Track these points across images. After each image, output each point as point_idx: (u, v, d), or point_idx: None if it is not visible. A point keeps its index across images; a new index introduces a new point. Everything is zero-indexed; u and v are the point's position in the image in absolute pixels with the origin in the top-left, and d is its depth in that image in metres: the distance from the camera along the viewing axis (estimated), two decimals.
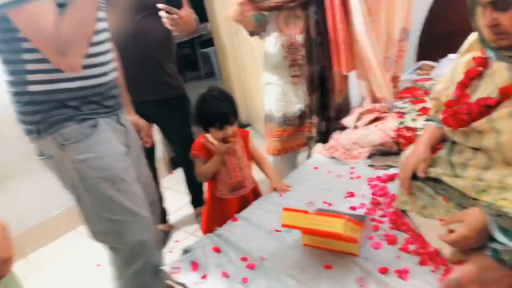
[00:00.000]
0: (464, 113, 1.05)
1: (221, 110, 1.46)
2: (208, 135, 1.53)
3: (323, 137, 1.94)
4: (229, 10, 1.87)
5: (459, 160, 1.13)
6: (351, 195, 1.45)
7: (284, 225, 1.14)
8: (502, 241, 0.92)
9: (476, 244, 0.97)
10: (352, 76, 1.94)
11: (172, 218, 2.46)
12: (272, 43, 1.86)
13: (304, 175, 1.67)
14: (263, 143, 2.07)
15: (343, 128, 1.88)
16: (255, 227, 1.36)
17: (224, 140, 1.48)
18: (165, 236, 2.29)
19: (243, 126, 3.62)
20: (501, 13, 0.94)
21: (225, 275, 1.15)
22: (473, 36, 1.17)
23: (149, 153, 2.24)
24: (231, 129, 1.48)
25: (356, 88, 2.01)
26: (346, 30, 1.66)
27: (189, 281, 1.14)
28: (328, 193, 1.49)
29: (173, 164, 3.16)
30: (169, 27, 1.68)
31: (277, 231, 1.31)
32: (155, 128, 2.28)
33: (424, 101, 1.85)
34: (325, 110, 1.89)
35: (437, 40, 2.27)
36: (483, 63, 1.10)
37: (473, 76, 1.11)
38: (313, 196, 1.48)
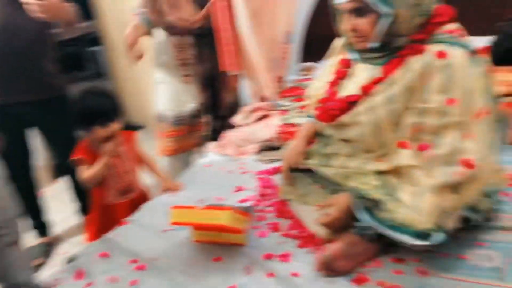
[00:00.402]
0: (333, 109, 1.18)
1: (103, 107, 1.42)
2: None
3: (215, 136, 1.98)
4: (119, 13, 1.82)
5: (330, 151, 1.26)
6: (240, 189, 1.51)
7: (174, 223, 1.15)
8: (363, 219, 1.06)
9: (346, 224, 1.10)
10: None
11: (58, 229, 2.29)
12: (161, 42, 1.84)
13: (195, 174, 1.69)
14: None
15: (234, 126, 1.95)
16: (145, 228, 1.34)
17: (108, 139, 1.43)
18: (48, 250, 2.12)
19: (136, 127, 3.51)
20: (359, 19, 1.08)
21: (113, 280, 1.11)
22: (338, 41, 1.32)
23: (24, 161, 2.06)
24: (114, 127, 1.44)
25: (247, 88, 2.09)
26: (232, 32, 1.73)
27: None
28: (219, 189, 1.53)
29: (57, 172, 2.93)
30: (38, 14, 1.55)
31: (167, 230, 1.31)
32: (34, 133, 2.10)
33: (304, 99, 2.01)
34: (216, 109, 1.93)
35: (319, 42, 2.46)
36: (348, 64, 1.24)
37: (341, 76, 1.25)
38: (204, 193, 1.51)
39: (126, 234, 1.32)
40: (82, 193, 2.19)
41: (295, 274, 1.06)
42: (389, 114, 1.09)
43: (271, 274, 1.07)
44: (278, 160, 1.67)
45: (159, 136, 2.01)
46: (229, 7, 1.76)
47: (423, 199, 1.00)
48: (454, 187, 1.00)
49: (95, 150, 1.48)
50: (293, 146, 1.36)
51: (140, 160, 1.62)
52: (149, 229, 1.33)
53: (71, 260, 1.23)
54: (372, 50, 1.12)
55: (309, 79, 2.37)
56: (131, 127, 3.39)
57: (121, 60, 3.46)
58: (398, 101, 1.08)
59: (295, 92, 2.12)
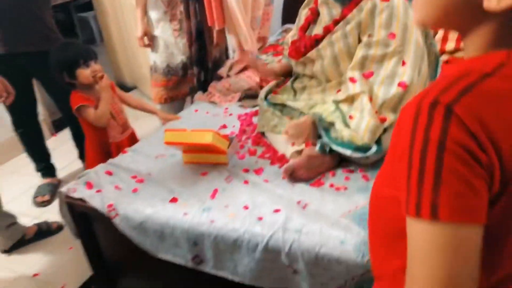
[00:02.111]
0: (302, 46, 1.43)
1: (81, 48, 1.62)
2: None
3: (203, 87, 2.21)
4: None
5: (299, 86, 1.52)
6: (224, 126, 1.76)
7: (166, 143, 1.39)
8: (322, 136, 1.32)
9: (307, 140, 1.36)
10: None
11: (60, 174, 2.51)
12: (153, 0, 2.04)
13: (186, 117, 1.93)
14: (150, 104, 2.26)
15: (220, 77, 2.18)
16: (142, 155, 1.58)
17: (94, 77, 1.62)
18: (54, 189, 2.36)
19: (129, 89, 3.70)
20: None
21: (118, 188, 1.36)
22: None
23: (31, 108, 2.27)
24: (97, 65, 1.62)
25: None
26: None
27: (86, 195, 1.33)
28: (206, 127, 1.76)
29: (55, 126, 3.14)
30: None
31: (161, 156, 1.55)
32: (36, 86, 2.29)
33: (283, 54, 2.23)
34: (204, 62, 2.15)
35: (299, 6, 2.68)
36: (316, 12, 1.49)
37: (310, 21, 1.50)
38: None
39: (126, 159, 1.55)
40: (82, 140, 2.43)
41: (265, 181, 1.32)
42: (344, 46, 1.35)
43: (246, 182, 1.33)
44: (257, 105, 1.92)
45: (152, 86, 2.23)
46: None
47: (363, 121, 1.27)
48: (393, 105, 1.26)
49: (88, 95, 1.68)
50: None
51: (128, 103, 1.84)
52: (146, 155, 1.57)
53: (80, 177, 1.46)
54: None
55: None
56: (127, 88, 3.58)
57: (113, 25, 3.61)
58: (351, 35, 1.33)
59: (275, 49, 2.35)
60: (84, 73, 1.61)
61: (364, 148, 1.26)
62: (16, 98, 2.16)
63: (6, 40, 1.98)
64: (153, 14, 2.09)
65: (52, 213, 2.16)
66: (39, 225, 2.03)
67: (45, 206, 2.28)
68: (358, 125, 1.27)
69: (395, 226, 0.53)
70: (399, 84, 1.27)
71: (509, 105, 0.46)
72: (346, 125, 1.30)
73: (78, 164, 2.53)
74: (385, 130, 1.28)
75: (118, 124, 1.75)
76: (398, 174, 0.49)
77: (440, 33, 2.02)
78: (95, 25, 4.79)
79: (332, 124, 1.32)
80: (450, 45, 2.03)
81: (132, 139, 1.81)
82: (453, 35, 2.04)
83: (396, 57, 1.29)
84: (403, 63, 1.29)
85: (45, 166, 2.39)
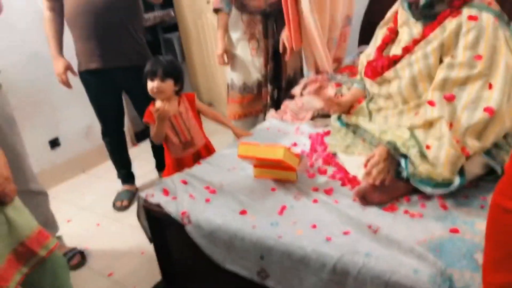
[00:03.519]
0: (379, 66, 1.41)
1: (156, 64, 1.70)
2: (156, 103, 1.75)
3: (277, 105, 2.25)
4: None
5: (374, 107, 1.48)
6: (295, 144, 1.77)
7: (240, 156, 1.43)
8: (402, 164, 1.27)
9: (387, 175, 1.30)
10: None
11: (138, 181, 2.69)
12: (233, 20, 2.15)
13: (258, 133, 1.97)
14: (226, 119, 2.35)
15: (293, 97, 2.21)
16: (216, 167, 1.65)
17: (152, 92, 1.70)
18: (132, 196, 2.53)
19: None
20: None
21: (192, 197, 1.43)
22: (390, 12, 1.53)
23: (119, 118, 2.47)
24: (158, 83, 1.69)
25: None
26: (295, 8, 1.98)
27: (162, 200, 1.41)
28: (277, 144, 1.80)
29: (137, 137, 3.39)
30: None
31: (233, 169, 1.60)
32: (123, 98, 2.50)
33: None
34: (277, 80, 2.20)
35: (376, 28, 2.65)
36: (395, 32, 1.46)
37: (388, 41, 1.47)
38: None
39: (200, 170, 1.63)
40: (158, 151, 2.58)
41: (335, 201, 1.30)
42: (424, 67, 1.30)
43: (315, 201, 1.32)
44: (328, 125, 1.90)
45: (228, 102, 2.32)
46: None
47: (442, 151, 1.19)
48: (477, 132, 1.18)
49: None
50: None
51: (207, 115, 1.92)
52: (219, 167, 1.63)
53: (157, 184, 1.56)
54: (422, 6, 1.31)
55: None
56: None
57: (195, 45, 3.84)
58: (433, 56, 1.28)
59: (351, 70, 2.33)
60: (148, 85, 1.72)
61: (445, 184, 1.19)
62: (107, 108, 2.38)
63: (102, 55, 2.19)
64: (234, 35, 2.20)
65: (129, 217, 2.32)
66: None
67: (123, 210, 2.45)
68: (436, 156, 1.20)
69: None
70: (485, 109, 1.18)
71: None
72: (423, 155, 1.23)
73: (155, 174, 2.70)
74: (465, 159, 1.19)
75: (181, 142, 1.81)
76: None
77: None
78: (178, 45, 5.12)
79: (406, 156, 1.26)
80: None
81: (200, 155, 1.86)
82: None
83: (481, 80, 1.21)
84: (490, 87, 1.20)
85: (126, 173, 2.58)
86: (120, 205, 2.46)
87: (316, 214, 1.24)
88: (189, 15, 3.70)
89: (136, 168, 2.68)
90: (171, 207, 1.37)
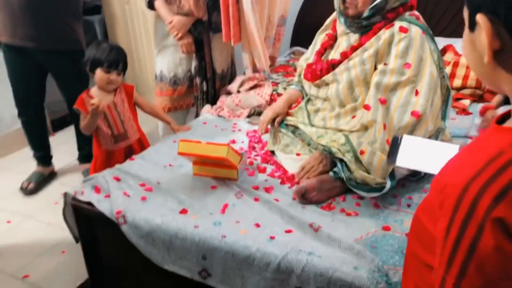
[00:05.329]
0: (318, 70, 1.46)
1: (113, 54, 1.60)
2: (91, 91, 1.65)
3: (207, 99, 2.22)
4: None
5: (312, 108, 1.53)
6: (233, 141, 1.76)
7: (180, 153, 1.39)
8: (338, 166, 1.33)
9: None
10: (237, 48, 2.26)
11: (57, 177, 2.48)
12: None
13: (194, 128, 1.93)
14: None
15: (229, 92, 2.19)
16: (151, 163, 1.57)
17: (107, 83, 1.61)
18: (43, 179, 2.40)
19: None
20: None
21: (126, 194, 1.35)
22: (329, 19, 1.59)
23: (40, 99, 2.27)
24: (115, 76, 1.61)
25: (241, 59, 2.33)
26: (236, 6, 1.96)
27: (94, 198, 1.31)
28: (214, 140, 1.76)
29: (54, 125, 3.11)
30: None
31: (171, 165, 1.54)
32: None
33: (293, 75, 2.27)
34: (205, 72, 2.17)
35: (307, 30, 2.74)
36: (333, 38, 1.52)
37: (327, 46, 1.53)
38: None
39: (134, 167, 1.54)
40: (83, 141, 2.40)
41: (276, 200, 1.32)
42: (361, 72, 1.37)
43: (256, 199, 1.33)
44: None
45: (157, 95, 2.23)
46: None
47: (375, 157, 1.28)
48: (407, 134, 1.28)
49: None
50: (274, 106, 1.63)
51: (144, 109, 1.83)
52: (154, 163, 1.56)
53: (85, 181, 1.44)
54: (359, 18, 1.38)
55: (297, 60, 2.63)
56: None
57: (120, 30, 3.62)
58: (369, 62, 1.36)
59: (285, 69, 2.38)
60: (101, 75, 1.60)
61: (378, 188, 1.27)
62: (28, 89, 2.18)
63: (31, 35, 2.01)
64: (164, 26, 2.11)
65: (46, 214, 2.12)
66: None
67: (28, 194, 2.30)
68: (369, 161, 1.29)
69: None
70: (412, 113, 1.30)
71: None
72: (358, 160, 1.31)
73: (76, 168, 2.51)
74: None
75: (113, 134, 1.71)
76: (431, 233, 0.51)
77: (448, 69, 2.08)
78: (101, 29, 4.80)
79: (342, 160, 1.33)
80: (457, 82, 2.09)
81: (133, 149, 1.77)
82: (460, 72, 2.10)
83: (409, 86, 1.32)
84: (416, 93, 1.32)
85: (43, 154, 2.41)
86: (26, 187, 2.31)
87: (258, 213, 1.25)
88: None
89: (54, 163, 2.48)
90: (105, 206, 1.28)
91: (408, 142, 0.76)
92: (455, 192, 0.48)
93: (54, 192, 2.31)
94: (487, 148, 0.49)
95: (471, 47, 0.53)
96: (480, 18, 0.49)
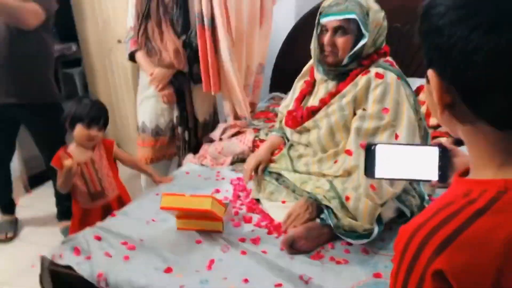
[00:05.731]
0: (298, 116, 1.48)
1: (94, 110, 1.60)
2: (69, 147, 1.63)
3: (190, 148, 2.22)
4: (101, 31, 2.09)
5: (295, 154, 1.54)
6: (217, 191, 1.73)
7: (162, 208, 1.35)
8: (325, 217, 1.32)
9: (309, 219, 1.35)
10: (219, 96, 2.29)
11: (32, 236, 2.37)
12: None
13: (177, 179, 1.90)
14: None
15: (211, 140, 2.19)
16: (133, 219, 1.52)
17: (88, 139, 1.60)
18: (15, 226, 2.35)
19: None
20: (340, 37, 1.38)
21: (108, 255, 1.29)
22: (306, 66, 1.63)
23: (8, 154, 2.23)
24: (96, 132, 1.60)
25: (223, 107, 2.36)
26: (214, 57, 2.01)
27: (73, 262, 1.25)
28: (198, 191, 1.74)
29: (31, 183, 3.02)
30: None
31: (154, 220, 1.50)
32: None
33: (274, 121, 2.29)
34: (187, 122, 2.18)
35: (286, 76, 2.81)
36: (311, 85, 1.56)
37: (305, 93, 1.56)
38: (185, 193, 1.71)
39: (116, 223, 1.49)
40: (61, 198, 2.33)
41: (264, 251, 1.28)
42: (340, 118, 1.39)
43: (243, 252, 1.29)
44: None
45: (139, 145, 2.21)
46: (214, 35, 2.05)
47: (361, 203, 1.28)
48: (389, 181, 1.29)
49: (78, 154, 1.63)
50: (256, 154, 1.64)
51: (125, 163, 1.80)
52: (137, 219, 1.51)
53: (64, 242, 1.38)
54: (337, 65, 1.41)
55: (278, 105, 2.68)
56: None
57: (101, 83, 3.64)
58: (347, 108, 1.38)
59: (266, 115, 2.41)
60: (81, 131, 1.58)
61: (367, 234, 1.26)
62: None
63: (4, 91, 2.00)
64: (144, 76, 2.14)
65: (24, 279, 2.00)
66: None
67: (8, 242, 2.25)
68: (355, 207, 1.28)
69: None
70: None
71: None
72: (344, 206, 1.30)
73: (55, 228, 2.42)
74: (383, 203, 1.29)
75: (89, 192, 1.67)
76: None
77: (424, 108, 2.14)
78: (80, 81, 4.82)
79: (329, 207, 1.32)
80: (433, 121, 2.14)
81: (111, 206, 1.72)
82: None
83: (389, 130, 1.34)
84: (396, 137, 1.34)
85: (9, 202, 2.37)
86: (5, 237, 2.24)
87: (246, 267, 1.21)
88: (96, 51, 3.52)
89: (31, 221, 2.39)
90: (85, 269, 1.22)
91: (383, 151, 0.73)
92: (405, 237, 0.49)
93: (31, 253, 2.20)
94: (442, 199, 0.51)
95: (430, 97, 0.55)
96: (430, 74, 0.51)
